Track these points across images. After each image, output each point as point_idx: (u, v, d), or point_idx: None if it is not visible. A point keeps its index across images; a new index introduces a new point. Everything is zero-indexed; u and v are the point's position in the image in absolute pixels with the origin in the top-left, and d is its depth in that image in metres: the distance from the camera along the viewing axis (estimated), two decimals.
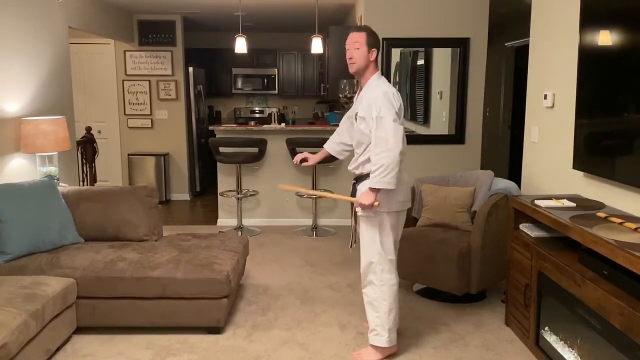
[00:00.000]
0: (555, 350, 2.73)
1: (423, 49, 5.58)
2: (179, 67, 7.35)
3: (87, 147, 5.81)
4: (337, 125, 3.34)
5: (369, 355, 2.96)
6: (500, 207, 3.60)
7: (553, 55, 3.54)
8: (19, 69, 4.09)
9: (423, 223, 4.01)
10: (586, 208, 2.84)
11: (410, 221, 3.99)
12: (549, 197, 3.11)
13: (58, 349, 3.03)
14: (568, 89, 3.26)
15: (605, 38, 2.83)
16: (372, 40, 2.87)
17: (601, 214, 2.65)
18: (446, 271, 3.54)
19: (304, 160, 3.32)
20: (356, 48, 2.86)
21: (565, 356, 2.63)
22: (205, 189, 8.04)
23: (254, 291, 3.97)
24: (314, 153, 3.35)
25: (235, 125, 6.48)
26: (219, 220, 6.07)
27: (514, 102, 7.05)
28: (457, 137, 5.65)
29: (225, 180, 5.96)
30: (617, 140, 2.79)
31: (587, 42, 3.00)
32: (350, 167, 3.03)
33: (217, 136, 5.83)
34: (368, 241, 2.91)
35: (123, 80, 7.37)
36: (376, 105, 2.74)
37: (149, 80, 7.36)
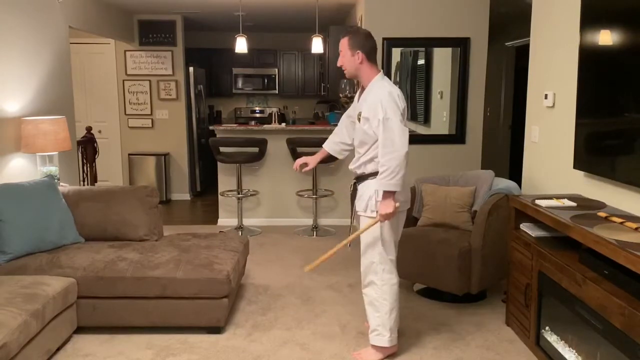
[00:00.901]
0: (556, 350, 2.72)
1: (423, 49, 5.58)
2: (180, 67, 7.34)
3: (87, 147, 5.81)
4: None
5: (369, 355, 2.96)
6: (501, 207, 3.60)
7: (553, 55, 3.53)
8: (20, 69, 4.09)
9: (423, 223, 4.00)
10: (587, 208, 2.84)
11: (411, 221, 3.98)
12: (550, 197, 3.10)
13: (58, 349, 3.03)
14: (568, 88, 3.25)
15: (606, 38, 2.83)
16: (354, 41, 2.84)
17: (602, 214, 2.65)
18: (447, 271, 3.54)
19: (304, 165, 3.25)
20: (342, 55, 2.88)
21: (566, 356, 2.63)
22: (205, 189, 8.04)
23: (254, 291, 3.97)
24: (314, 153, 3.32)
25: (235, 125, 6.48)
26: (219, 220, 6.07)
27: (515, 102, 7.05)
28: (457, 136, 5.65)
29: (225, 180, 5.95)
30: (618, 139, 2.79)
31: (587, 41, 3.00)
32: (351, 167, 3.02)
33: (217, 136, 5.83)
34: (369, 241, 2.91)
35: (123, 80, 7.37)
36: (382, 107, 2.72)
37: (150, 80, 7.36)
